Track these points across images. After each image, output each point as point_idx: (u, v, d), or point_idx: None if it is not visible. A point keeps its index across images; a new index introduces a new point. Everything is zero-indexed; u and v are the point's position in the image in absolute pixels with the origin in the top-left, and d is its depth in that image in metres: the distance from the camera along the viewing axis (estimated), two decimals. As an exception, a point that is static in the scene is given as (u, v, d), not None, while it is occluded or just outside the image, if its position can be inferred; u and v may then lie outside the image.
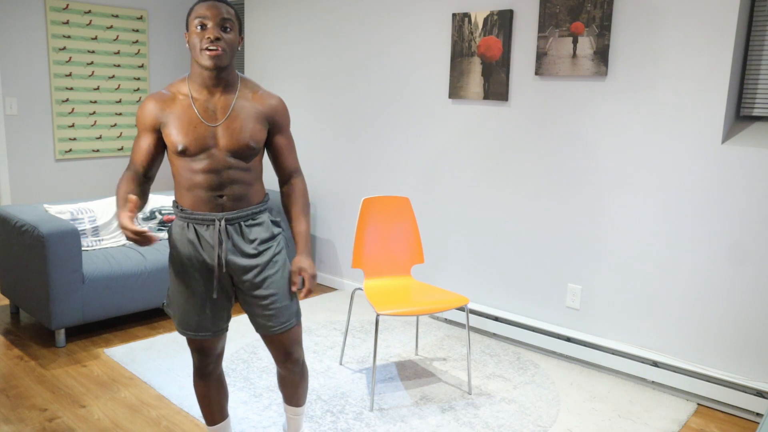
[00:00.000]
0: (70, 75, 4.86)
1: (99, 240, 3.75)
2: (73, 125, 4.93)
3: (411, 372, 3.18)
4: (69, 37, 4.82)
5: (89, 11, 4.90)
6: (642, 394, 3.00)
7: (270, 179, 4.93)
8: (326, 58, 4.39)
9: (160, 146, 1.97)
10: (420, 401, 2.88)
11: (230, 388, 2.93)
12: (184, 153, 1.89)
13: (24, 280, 3.41)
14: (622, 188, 3.12)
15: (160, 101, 1.91)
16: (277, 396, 2.88)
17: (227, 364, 3.18)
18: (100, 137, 5.11)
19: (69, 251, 3.23)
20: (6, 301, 4.06)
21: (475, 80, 3.57)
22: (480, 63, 3.54)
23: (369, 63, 4.13)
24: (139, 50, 5.24)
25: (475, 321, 3.70)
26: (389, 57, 4.01)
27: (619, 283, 3.18)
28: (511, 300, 3.61)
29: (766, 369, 2.79)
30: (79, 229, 3.66)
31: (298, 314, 2.09)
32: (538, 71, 3.30)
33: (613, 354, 3.16)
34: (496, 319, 3.60)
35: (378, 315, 2.76)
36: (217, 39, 1.83)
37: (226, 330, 2.11)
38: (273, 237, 2.06)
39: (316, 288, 1.95)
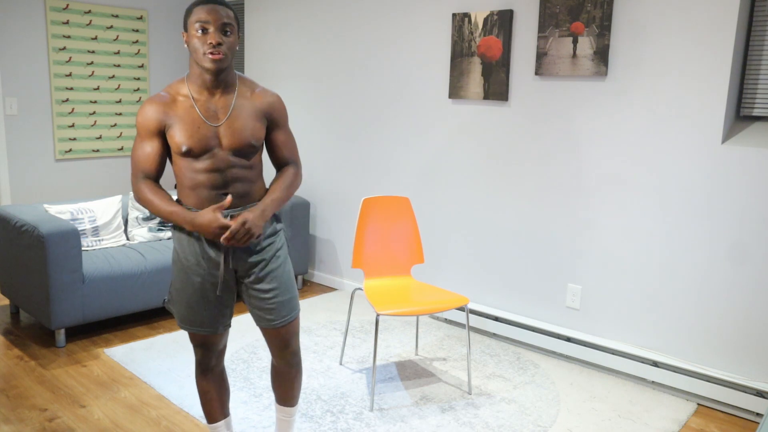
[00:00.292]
0: (70, 75, 4.86)
1: (99, 240, 3.75)
2: (73, 125, 4.93)
3: (411, 372, 3.18)
4: (69, 37, 4.82)
5: (89, 11, 4.90)
6: (642, 394, 3.00)
7: (270, 177, 4.93)
8: (326, 58, 4.39)
9: (165, 148, 1.98)
10: (420, 401, 2.88)
11: (230, 388, 2.93)
12: (188, 154, 1.92)
13: (24, 280, 3.41)
14: (622, 188, 3.12)
15: (161, 104, 1.92)
16: (277, 396, 2.88)
17: (227, 364, 3.18)
18: (100, 137, 5.11)
19: (69, 251, 3.23)
20: (6, 301, 4.06)
21: (475, 80, 3.57)
22: (480, 63, 3.54)
23: (369, 63, 4.13)
24: (139, 50, 5.24)
25: (475, 321, 3.70)
26: (389, 57, 4.01)
27: (619, 283, 3.18)
28: (511, 300, 3.61)
29: (766, 369, 2.79)
30: (79, 229, 3.66)
31: (298, 306, 2.14)
32: (538, 71, 3.30)
33: (613, 354, 3.16)
34: (496, 319, 3.60)
35: (378, 315, 2.76)
36: (219, 44, 1.86)
37: (229, 326, 2.14)
38: (275, 232, 2.09)
39: (249, 237, 1.90)
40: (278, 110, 2.07)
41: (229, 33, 1.90)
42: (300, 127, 4.63)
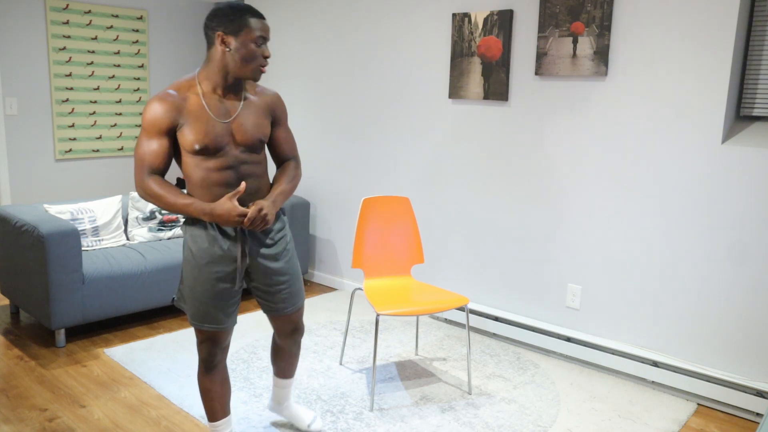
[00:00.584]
0: (70, 75, 4.86)
1: (99, 240, 3.75)
2: (73, 125, 4.93)
3: (411, 372, 3.18)
4: (69, 37, 4.82)
5: (89, 11, 4.90)
6: (642, 394, 3.00)
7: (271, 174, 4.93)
8: (326, 58, 4.39)
9: (173, 147, 2.00)
10: (420, 401, 2.88)
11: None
12: (202, 152, 1.96)
13: (24, 280, 3.41)
14: (622, 188, 3.12)
15: (173, 103, 1.94)
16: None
17: (227, 364, 3.18)
18: (100, 137, 5.11)
19: (69, 251, 3.23)
20: (6, 301, 4.06)
21: (475, 80, 3.57)
22: (480, 63, 3.54)
23: (369, 63, 4.13)
24: (139, 50, 5.24)
25: (475, 321, 3.70)
26: (389, 57, 4.01)
27: (619, 283, 3.18)
28: (511, 300, 3.61)
29: (766, 369, 2.79)
30: (79, 229, 3.66)
31: (304, 292, 2.33)
32: (538, 71, 3.30)
33: (613, 354, 3.16)
34: (496, 319, 3.60)
35: (378, 315, 2.76)
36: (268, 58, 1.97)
37: (236, 322, 2.20)
38: (283, 226, 2.20)
39: (265, 224, 1.98)
40: (280, 107, 2.16)
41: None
42: (300, 127, 4.63)
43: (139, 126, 5.31)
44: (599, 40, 3.07)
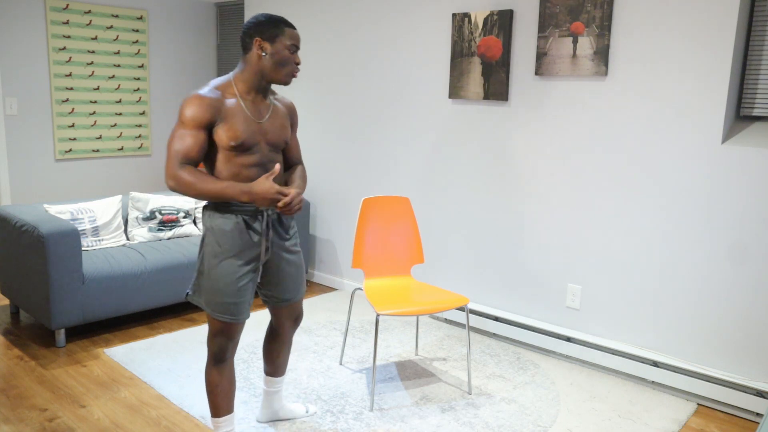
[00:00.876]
0: (70, 75, 4.86)
1: (99, 240, 3.75)
2: (73, 125, 4.93)
3: (411, 372, 3.18)
4: (69, 37, 4.82)
5: (89, 11, 4.90)
6: (642, 394, 3.00)
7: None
8: (326, 58, 4.39)
9: (207, 143, 2.09)
10: (420, 401, 2.88)
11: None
12: (238, 148, 2.07)
13: (24, 280, 3.41)
14: (622, 188, 3.12)
15: (214, 101, 2.05)
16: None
17: (227, 364, 3.18)
18: (100, 137, 5.11)
19: (69, 251, 3.23)
20: (6, 301, 4.06)
21: (475, 80, 3.57)
22: (480, 63, 3.54)
23: (369, 63, 4.13)
24: (139, 50, 5.24)
25: (475, 321, 3.70)
26: (389, 57, 4.01)
27: (619, 283, 3.18)
28: (511, 300, 3.61)
29: (766, 369, 2.79)
30: (79, 229, 3.66)
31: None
32: (538, 71, 3.30)
33: (613, 354, 3.16)
34: (496, 319, 3.60)
35: (378, 315, 2.76)
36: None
37: (249, 317, 2.29)
38: (294, 221, 2.38)
39: (299, 209, 2.10)
40: (295, 115, 2.37)
41: None
42: (300, 127, 4.64)
43: (139, 126, 5.32)
44: (599, 40, 3.07)
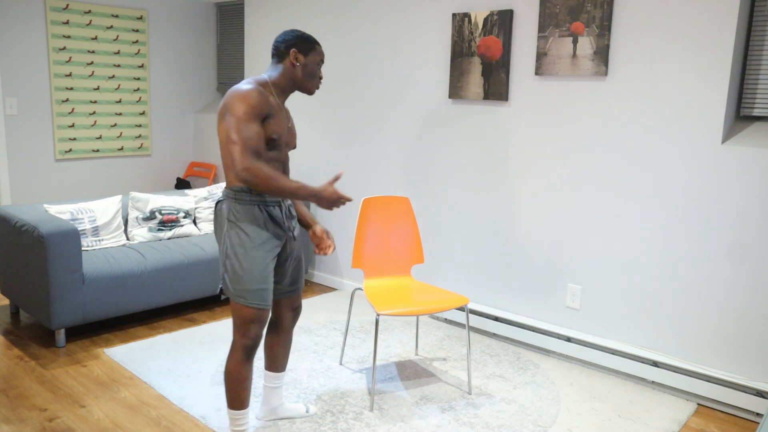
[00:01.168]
0: (70, 75, 4.86)
1: (99, 240, 3.75)
2: (73, 125, 4.93)
3: (411, 372, 3.18)
4: (69, 37, 4.82)
5: (89, 11, 4.90)
6: (642, 394, 3.00)
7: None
8: (326, 58, 4.39)
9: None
10: (420, 401, 2.88)
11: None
12: (274, 142, 2.22)
13: (24, 280, 3.41)
14: (622, 188, 3.12)
15: (267, 96, 2.20)
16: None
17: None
18: (100, 137, 5.11)
19: (69, 251, 3.23)
20: (6, 301, 4.06)
21: (475, 80, 3.57)
22: (480, 63, 3.54)
23: (369, 63, 4.13)
24: (139, 50, 5.24)
25: (475, 321, 3.70)
26: (389, 57, 4.01)
27: (619, 283, 3.18)
28: (511, 300, 3.61)
29: (766, 369, 2.79)
30: (79, 229, 3.66)
31: None
32: (538, 71, 3.30)
33: (613, 354, 3.16)
34: (496, 319, 3.60)
35: (378, 315, 2.76)
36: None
37: None
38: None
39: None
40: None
41: None
42: (300, 127, 4.64)
43: (139, 126, 5.32)
44: (599, 40, 3.07)
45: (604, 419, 2.77)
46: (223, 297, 2.37)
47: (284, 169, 2.39)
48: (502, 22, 3.42)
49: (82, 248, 3.62)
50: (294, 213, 2.43)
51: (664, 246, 3.02)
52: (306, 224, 2.49)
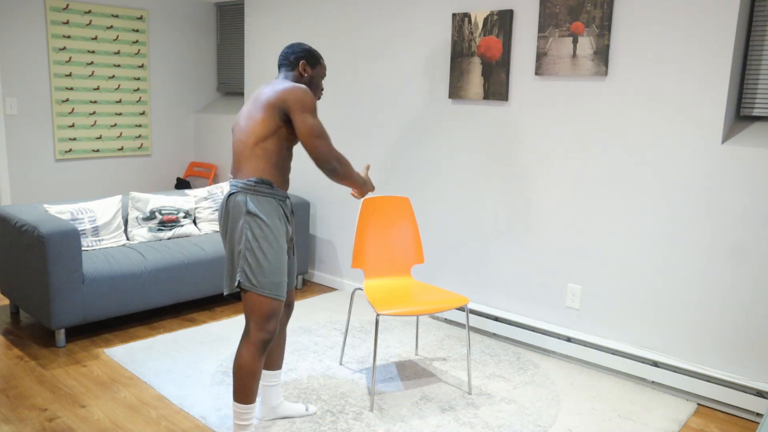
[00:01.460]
0: (70, 75, 4.86)
1: (99, 240, 3.75)
2: (73, 125, 4.93)
3: (411, 372, 3.18)
4: (69, 37, 4.82)
5: (89, 11, 4.90)
6: (642, 394, 3.00)
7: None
8: (326, 58, 4.39)
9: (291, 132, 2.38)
10: (420, 401, 2.88)
11: (229, 389, 2.94)
12: (295, 141, 2.35)
13: (24, 280, 3.41)
14: (622, 188, 3.12)
15: None
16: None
17: (226, 366, 3.18)
18: (100, 137, 5.11)
19: (69, 251, 3.23)
20: (6, 301, 4.06)
21: (475, 80, 3.57)
22: (480, 63, 3.54)
23: (369, 63, 4.13)
24: (139, 50, 5.24)
25: (475, 321, 3.70)
26: (389, 57, 4.01)
27: (619, 283, 3.18)
28: (511, 300, 3.61)
29: (766, 369, 2.79)
30: (79, 229, 3.66)
31: None
32: (538, 71, 3.30)
33: (613, 354, 3.16)
34: (496, 319, 3.60)
35: (378, 315, 2.76)
36: None
37: None
38: None
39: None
40: None
41: None
42: (300, 127, 4.63)
43: (139, 126, 5.32)
44: (599, 40, 3.07)
45: (604, 419, 2.77)
46: (226, 293, 2.35)
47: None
48: (502, 22, 3.42)
49: (82, 248, 3.62)
50: (293, 211, 2.48)
51: (664, 246, 3.02)
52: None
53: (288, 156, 2.34)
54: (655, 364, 3.04)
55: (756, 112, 2.84)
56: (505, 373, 3.20)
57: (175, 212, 4.08)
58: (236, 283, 2.27)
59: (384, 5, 3.99)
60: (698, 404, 2.94)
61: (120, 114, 5.20)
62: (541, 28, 3.26)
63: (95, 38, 4.96)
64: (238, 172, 2.30)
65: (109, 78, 5.09)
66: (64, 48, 4.80)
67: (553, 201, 3.37)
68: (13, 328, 3.62)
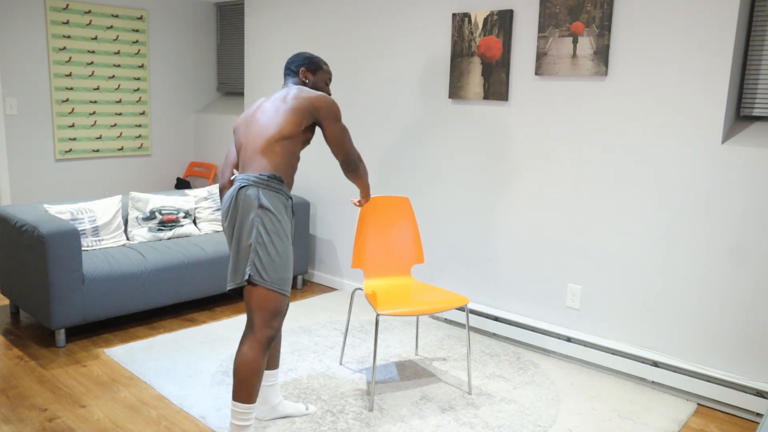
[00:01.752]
0: (70, 75, 4.86)
1: (99, 240, 3.75)
2: (73, 125, 4.93)
3: (411, 372, 3.18)
4: (69, 37, 4.82)
5: (89, 11, 4.90)
6: (642, 394, 3.00)
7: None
8: (326, 58, 4.39)
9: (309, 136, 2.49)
10: (420, 401, 2.88)
11: (229, 390, 2.94)
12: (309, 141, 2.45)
13: (24, 280, 3.41)
14: (622, 188, 3.12)
15: None
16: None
17: (226, 366, 3.18)
18: (100, 137, 5.11)
19: (69, 251, 3.23)
20: (6, 301, 4.06)
21: (475, 80, 3.57)
22: (480, 63, 3.54)
23: (369, 63, 4.13)
24: (139, 50, 5.24)
25: (475, 321, 3.70)
26: (389, 57, 4.01)
27: (619, 283, 3.18)
28: (511, 300, 3.61)
29: (766, 369, 2.79)
30: (79, 229, 3.66)
31: None
32: (538, 71, 3.30)
33: (613, 354, 3.16)
34: (496, 319, 3.60)
35: (378, 315, 2.76)
36: None
37: None
38: None
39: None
40: None
41: None
42: (300, 127, 4.63)
43: (139, 126, 5.32)
44: (599, 40, 3.07)
45: (604, 419, 2.77)
46: (230, 288, 2.28)
47: None
48: (502, 22, 3.42)
49: (82, 248, 3.62)
50: (294, 211, 2.51)
51: (664, 246, 3.02)
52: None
53: (299, 158, 2.40)
54: (655, 364, 3.04)
55: (756, 112, 2.84)
56: (505, 373, 3.20)
57: (175, 212, 4.08)
58: (246, 277, 2.21)
59: (384, 5, 3.99)
60: (698, 404, 2.94)
61: (120, 114, 5.20)
62: (541, 28, 3.26)
63: (95, 38, 4.96)
64: (248, 167, 2.28)
65: (109, 78, 5.09)
66: (64, 48, 4.80)
67: (553, 201, 3.37)
68: (13, 328, 3.62)
